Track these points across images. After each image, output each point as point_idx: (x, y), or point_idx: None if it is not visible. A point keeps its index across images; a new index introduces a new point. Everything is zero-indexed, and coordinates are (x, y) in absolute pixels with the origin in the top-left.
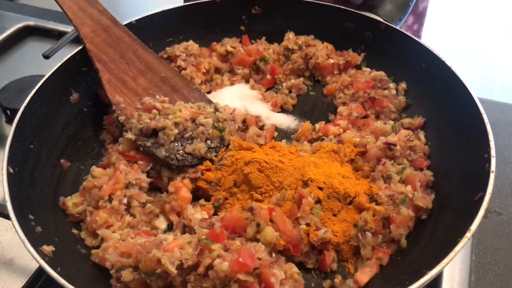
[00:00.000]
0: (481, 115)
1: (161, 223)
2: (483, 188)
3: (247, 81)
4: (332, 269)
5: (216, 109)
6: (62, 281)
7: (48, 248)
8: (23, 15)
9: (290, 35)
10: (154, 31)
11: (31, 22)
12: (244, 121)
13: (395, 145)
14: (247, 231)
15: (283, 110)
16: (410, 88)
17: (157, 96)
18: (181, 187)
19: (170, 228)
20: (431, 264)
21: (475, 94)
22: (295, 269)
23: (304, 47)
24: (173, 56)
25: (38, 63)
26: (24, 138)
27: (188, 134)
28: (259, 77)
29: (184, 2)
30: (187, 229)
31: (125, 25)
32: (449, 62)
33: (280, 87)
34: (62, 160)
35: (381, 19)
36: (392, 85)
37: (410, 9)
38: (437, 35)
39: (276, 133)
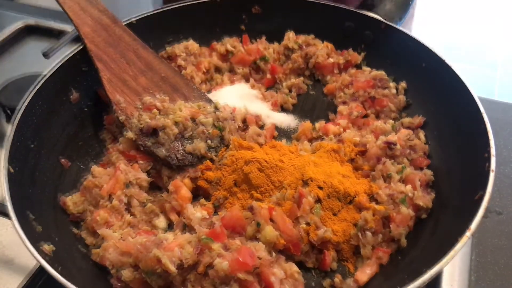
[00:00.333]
0: (481, 114)
1: (161, 223)
2: (483, 187)
3: (247, 81)
4: (332, 268)
5: (216, 109)
6: (62, 280)
7: (48, 247)
8: (23, 14)
9: (290, 35)
10: (154, 30)
11: (31, 21)
12: (244, 121)
13: (395, 144)
14: (247, 230)
15: (283, 109)
16: (410, 87)
17: (158, 96)
18: (181, 186)
19: (170, 227)
20: (431, 263)
21: (475, 93)
22: (295, 268)
23: (304, 47)
24: (173, 56)
25: (38, 62)
26: (24, 138)
27: (188, 134)
28: (259, 76)
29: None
30: (187, 228)
31: (125, 24)
32: (449, 62)
33: (280, 86)
34: (63, 159)
35: (381, 19)
36: (392, 84)
37: (410, 8)
38: (437, 35)
39: (276, 133)
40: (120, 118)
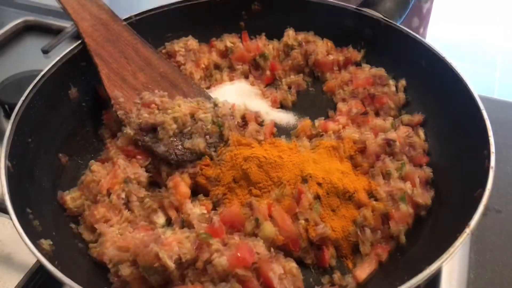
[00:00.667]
0: (480, 111)
1: (160, 219)
2: (483, 184)
3: (246, 78)
4: (331, 265)
5: (215, 105)
6: (60, 275)
7: (46, 243)
8: (22, 11)
9: (290, 32)
10: (154, 26)
11: (30, 17)
12: (243, 117)
13: (394, 141)
14: (246, 226)
15: (282, 106)
16: (410, 85)
17: (156, 92)
18: (180, 182)
19: (168, 223)
20: (430, 260)
21: (475, 91)
22: (293, 264)
23: (304, 44)
24: (172, 52)
25: (37, 59)
26: (22, 133)
27: (187, 130)
28: (258, 73)
29: None
30: (185, 224)
31: (124, 20)
32: (449, 59)
33: (280, 83)
34: (61, 155)
35: (381, 16)
36: (391, 82)
37: (410, 6)
38: (437, 33)
39: (275, 130)
40: (118, 114)
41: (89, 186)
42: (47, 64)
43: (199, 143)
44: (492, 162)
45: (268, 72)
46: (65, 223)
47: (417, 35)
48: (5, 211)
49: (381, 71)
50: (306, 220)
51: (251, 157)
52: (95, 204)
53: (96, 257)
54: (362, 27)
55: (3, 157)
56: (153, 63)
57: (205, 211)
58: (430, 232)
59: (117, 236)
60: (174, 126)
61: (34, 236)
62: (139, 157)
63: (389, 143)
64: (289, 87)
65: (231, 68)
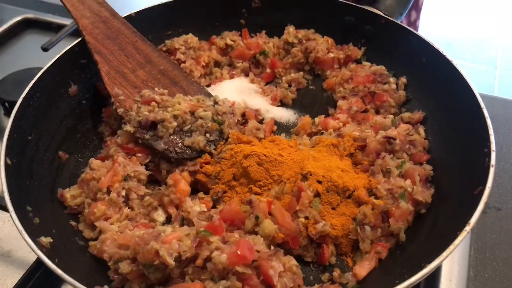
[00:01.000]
0: (481, 109)
1: (160, 216)
2: (483, 182)
3: (246, 75)
4: (330, 262)
5: (216, 102)
6: (59, 272)
7: (45, 240)
8: (22, 8)
9: (290, 29)
10: (154, 24)
11: (30, 14)
12: (243, 115)
13: (394, 139)
14: (246, 223)
15: (282, 104)
16: (410, 82)
17: (156, 89)
18: (180, 180)
19: (168, 221)
20: (430, 258)
21: (475, 88)
22: (293, 261)
23: (304, 41)
24: (173, 49)
25: (37, 56)
26: (22, 130)
27: (187, 127)
28: (258, 70)
29: None
30: (185, 221)
31: (124, 17)
32: (449, 57)
33: (280, 81)
34: (61, 152)
35: (381, 13)
36: (392, 79)
37: (410, 4)
38: (437, 31)
39: (275, 127)
40: (118, 111)
41: (89, 183)
42: (47, 62)
43: (199, 140)
44: (493, 160)
45: (268, 70)
46: (65, 221)
47: (419, 33)
48: (5, 209)
49: (381, 69)
50: (306, 217)
51: (251, 154)
52: (95, 202)
53: (96, 255)
54: (362, 24)
55: (3, 154)
56: (153, 60)
57: (205, 209)
58: (430, 229)
59: (117, 234)
60: (174, 123)
61: (34, 233)
62: (139, 154)
63: (389, 140)
64: (289, 85)
65: (231, 66)
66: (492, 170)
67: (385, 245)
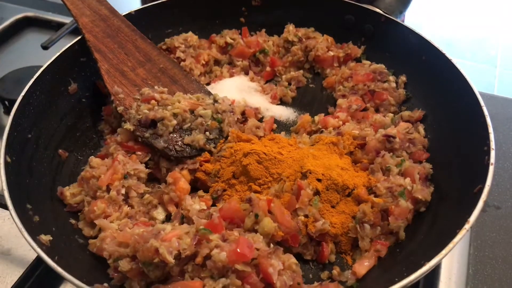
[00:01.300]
0: (481, 107)
1: (159, 214)
2: (483, 180)
3: (246, 73)
4: (330, 260)
5: (215, 101)
6: (59, 270)
7: (45, 238)
8: (22, 6)
9: (290, 27)
10: (154, 22)
11: (30, 13)
12: (243, 113)
13: (394, 137)
14: (246, 221)
15: (282, 102)
16: (410, 81)
17: (156, 87)
18: (180, 178)
19: (168, 219)
20: (430, 256)
21: (475, 86)
22: (293, 259)
23: (304, 40)
24: (172, 47)
25: (37, 54)
26: (22, 128)
27: (187, 125)
28: (258, 69)
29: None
30: (185, 219)
31: (124, 15)
32: (449, 55)
33: (280, 79)
34: (60, 150)
35: (381, 12)
36: (392, 78)
37: (411, 2)
38: (437, 30)
39: (275, 125)
40: (118, 109)
41: (89, 181)
42: (47, 60)
43: (199, 138)
44: (492, 159)
45: (268, 68)
46: (64, 219)
47: (419, 32)
48: (5, 207)
49: (381, 67)
50: (306, 215)
51: (251, 153)
52: (94, 200)
53: (96, 253)
54: (362, 22)
55: (3, 152)
56: (153, 58)
57: (205, 207)
58: (430, 228)
59: (116, 232)
60: (174, 121)
61: (34, 231)
62: (139, 152)
63: (389, 139)
64: (289, 83)
65: (231, 64)
66: (491, 169)
67: (384, 243)
